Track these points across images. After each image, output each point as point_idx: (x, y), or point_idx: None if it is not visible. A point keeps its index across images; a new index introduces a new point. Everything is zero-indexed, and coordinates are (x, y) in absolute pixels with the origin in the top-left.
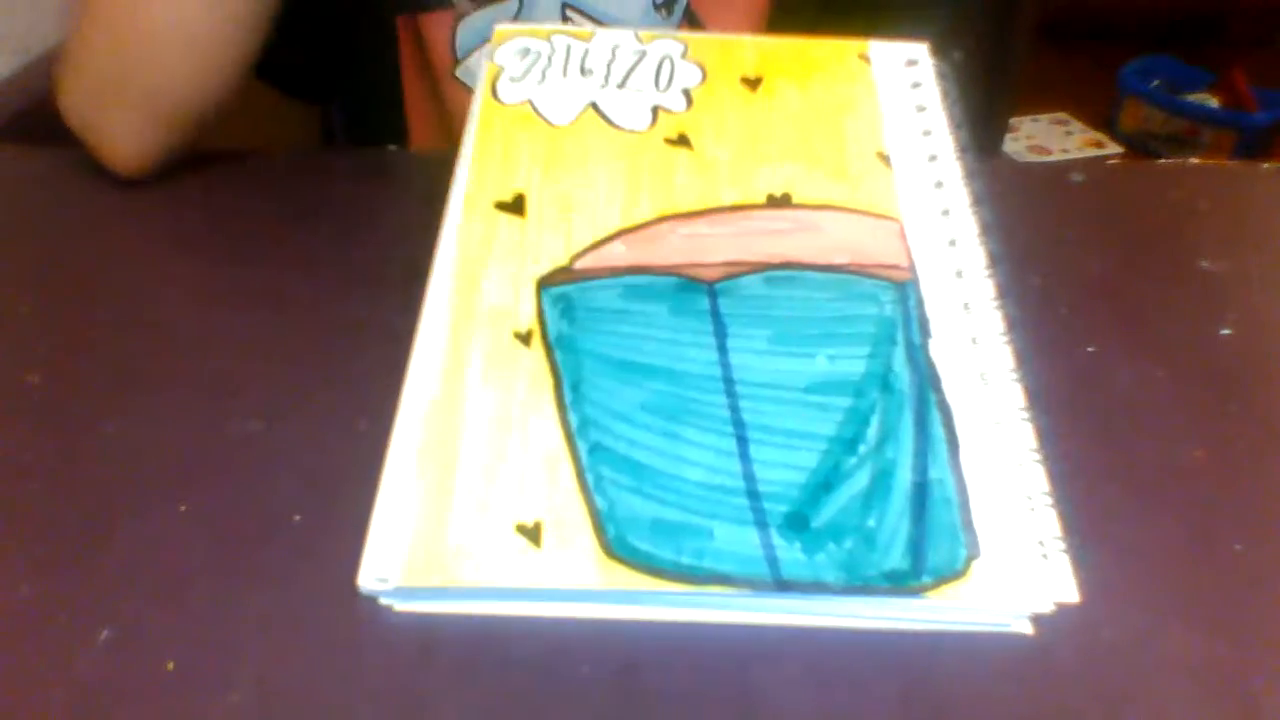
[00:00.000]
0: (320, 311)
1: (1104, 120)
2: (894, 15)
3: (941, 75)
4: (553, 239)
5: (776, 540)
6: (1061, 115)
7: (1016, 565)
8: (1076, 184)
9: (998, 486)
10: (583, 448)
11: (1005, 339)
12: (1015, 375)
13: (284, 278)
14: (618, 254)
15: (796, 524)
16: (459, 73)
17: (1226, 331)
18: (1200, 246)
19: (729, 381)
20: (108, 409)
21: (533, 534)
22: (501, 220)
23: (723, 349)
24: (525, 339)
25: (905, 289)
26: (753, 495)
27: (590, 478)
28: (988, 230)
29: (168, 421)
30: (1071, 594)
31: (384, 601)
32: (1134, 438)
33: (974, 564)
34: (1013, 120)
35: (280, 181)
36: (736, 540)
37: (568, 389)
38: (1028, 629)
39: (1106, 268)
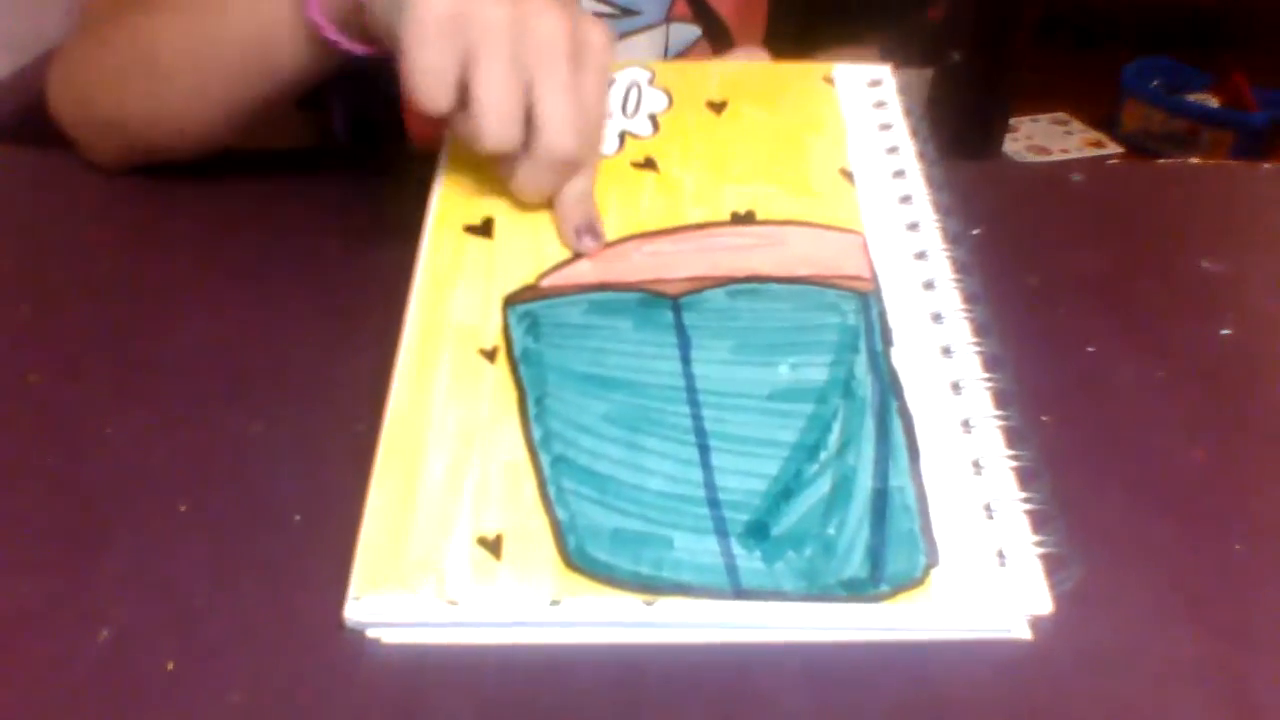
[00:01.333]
0: (320, 312)
1: (1104, 120)
2: (892, 16)
3: (903, 91)
4: (520, 259)
5: (736, 549)
6: (1061, 115)
7: (976, 574)
8: (1076, 184)
9: (959, 494)
10: (545, 460)
11: (975, 347)
12: (986, 381)
13: (284, 278)
14: (583, 271)
15: (756, 532)
16: None
17: (1226, 331)
18: (1200, 246)
19: (692, 392)
20: (108, 409)
21: (493, 546)
22: (470, 242)
23: (686, 360)
24: (490, 355)
25: (867, 299)
26: (713, 504)
27: (552, 489)
28: (957, 240)
29: (168, 422)
30: (1045, 605)
31: (371, 635)
32: (1134, 438)
33: (933, 572)
34: (1013, 120)
35: (280, 181)
36: (696, 549)
37: (531, 403)
38: (1026, 633)
39: (1106, 268)
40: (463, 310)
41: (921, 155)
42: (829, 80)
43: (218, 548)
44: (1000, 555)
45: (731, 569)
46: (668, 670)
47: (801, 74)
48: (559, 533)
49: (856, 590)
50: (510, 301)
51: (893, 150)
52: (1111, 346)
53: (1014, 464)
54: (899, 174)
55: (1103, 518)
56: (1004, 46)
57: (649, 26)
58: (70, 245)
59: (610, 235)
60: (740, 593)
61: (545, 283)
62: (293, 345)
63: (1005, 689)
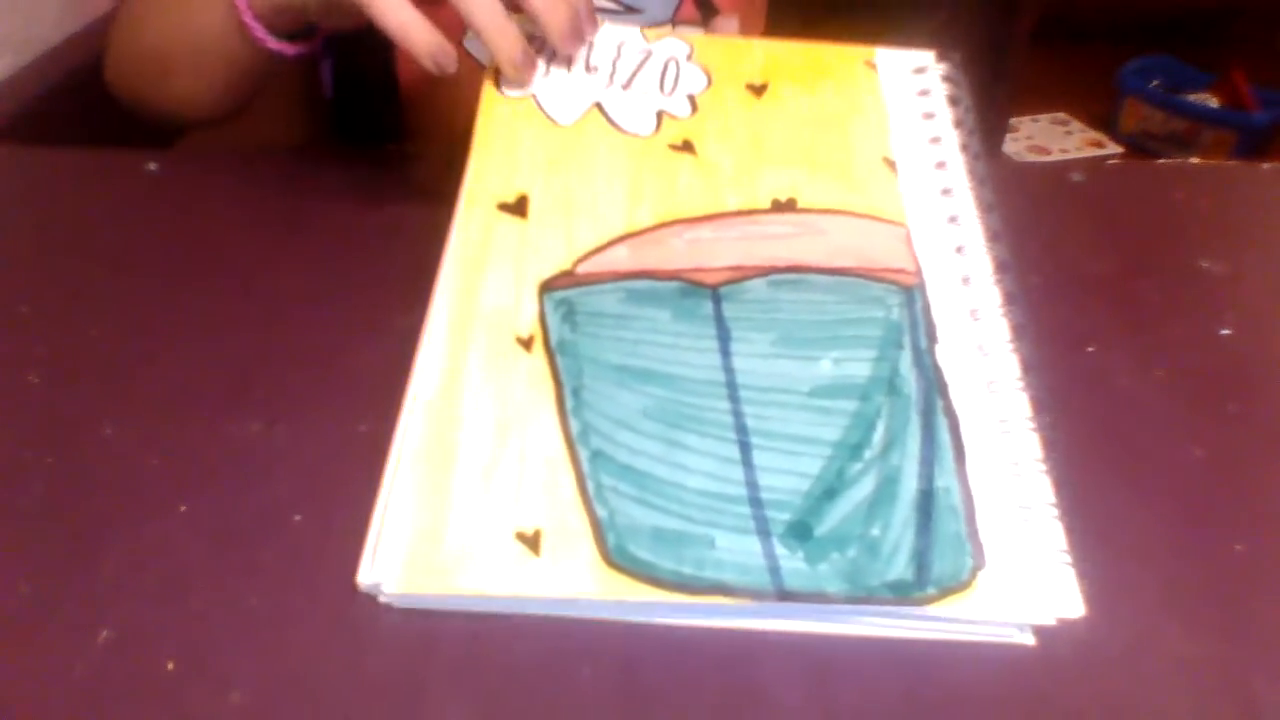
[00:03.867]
0: (320, 312)
1: (1104, 120)
2: (892, 14)
3: (952, 82)
4: (555, 242)
5: (779, 549)
6: (1061, 115)
7: (1021, 577)
8: (1076, 184)
9: (1003, 496)
10: (583, 455)
11: (1012, 347)
12: (1021, 383)
13: (284, 278)
14: (620, 258)
15: (799, 533)
16: (466, 43)
17: (1226, 331)
18: (1200, 246)
19: (732, 387)
20: (108, 409)
21: (532, 542)
22: (504, 221)
23: (726, 353)
24: (527, 344)
25: (912, 294)
26: (755, 503)
27: (591, 485)
28: (996, 238)
29: (168, 422)
30: (1077, 608)
31: (384, 600)
32: (1134, 438)
33: (979, 575)
34: (1013, 120)
35: (281, 181)
36: (738, 549)
37: (569, 395)
38: (1030, 639)
39: (1106, 268)
40: (496, 294)
41: (965, 147)
42: (871, 65)
43: (218, 548)
44: (1046, 559)
45: (774, 570)
46: (668, 668)
47: (844, 57)
48: (598, 530)
49: (902, 592)
50: (546, 288)
51: (935, 140)
52: (1111, 346)
53: (1045, 469)
54: (940, 165)
55: (1102, 517)
56: (1004, 46)
57: (653, 26)
58: (70, 245)
59: (647, 220)
60: (783, 594)
61: (582, 269)
62: (293, 345)
63: (1006, 687)
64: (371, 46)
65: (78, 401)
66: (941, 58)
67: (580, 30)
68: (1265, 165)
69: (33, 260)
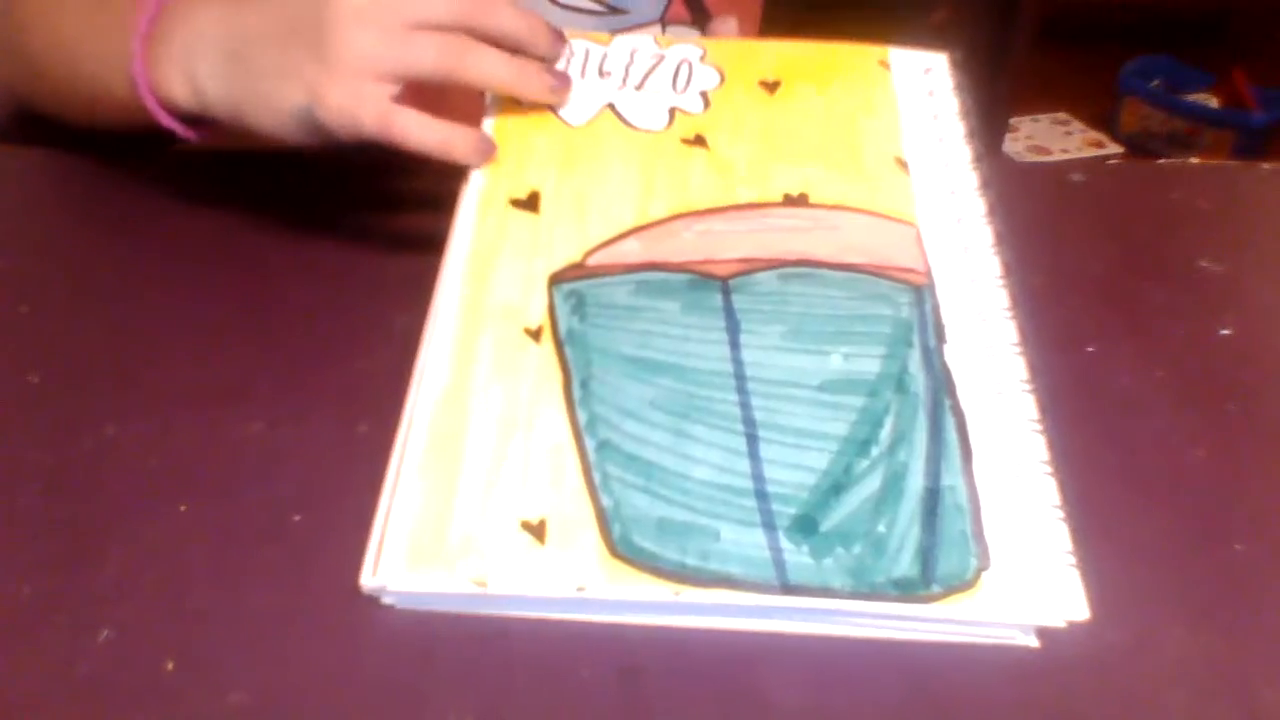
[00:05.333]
0: (320, 312)
1: (1104, 120)
2: (892, 14)
3: (959, 85)
4: (566, 236)
5: (784, 543)
6: (1061, 115)
7: (1025, 579)
8: (1076, 184)
9: (1009, 497)
10: (590, 444)
11: (1018, 349)
12: (1028, 386)
13: (284, 279)
14: (631, 250)
15: (805, 527)
16: None
17: (1226, 331)
18: (1200, 246)
19: (740, 379)
20: (108, 409)
21: (537, 531)
22: (516, 217)
23: (735, 345)
24: (535, 335)
25: (922, 293)
26: (761, 496)
27: (597, 475)
28: (1002, 240)
29: (168, 422)
30: (1082, 611)
31: (388, 601)
32: (1134, 438)
33: (983, 575)
34: (1013, 120)
35: (282, 182)
36: (743, 542)
37: (577, 385)
38: (1033, 641)
39: (1106, 268)
40: (507, 287)
41: (971, 150)
42: (884, 64)
43: (218, 548)
44: (1051, 562)
45: (779, 563)
46: (668, 670)
47: (857, 56)
48: (604, 520)
49: (907, 590)
50: (556, 280)
51: (940, 141)
52: (1111, 346)
53: (1050, 470)
54: (946, 166)
55: (1103, 517)
56: (1004, 46)
57: (640, 26)
58: (70, 245)
59: (659, 213)
60: (788, 588)
61: (592, 261)
62: (293, 345)
63: (1006, 688)
64: None
65: (78, 401)
66: (951, 61)
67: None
68: (1265, 165)
69: (33, 260)
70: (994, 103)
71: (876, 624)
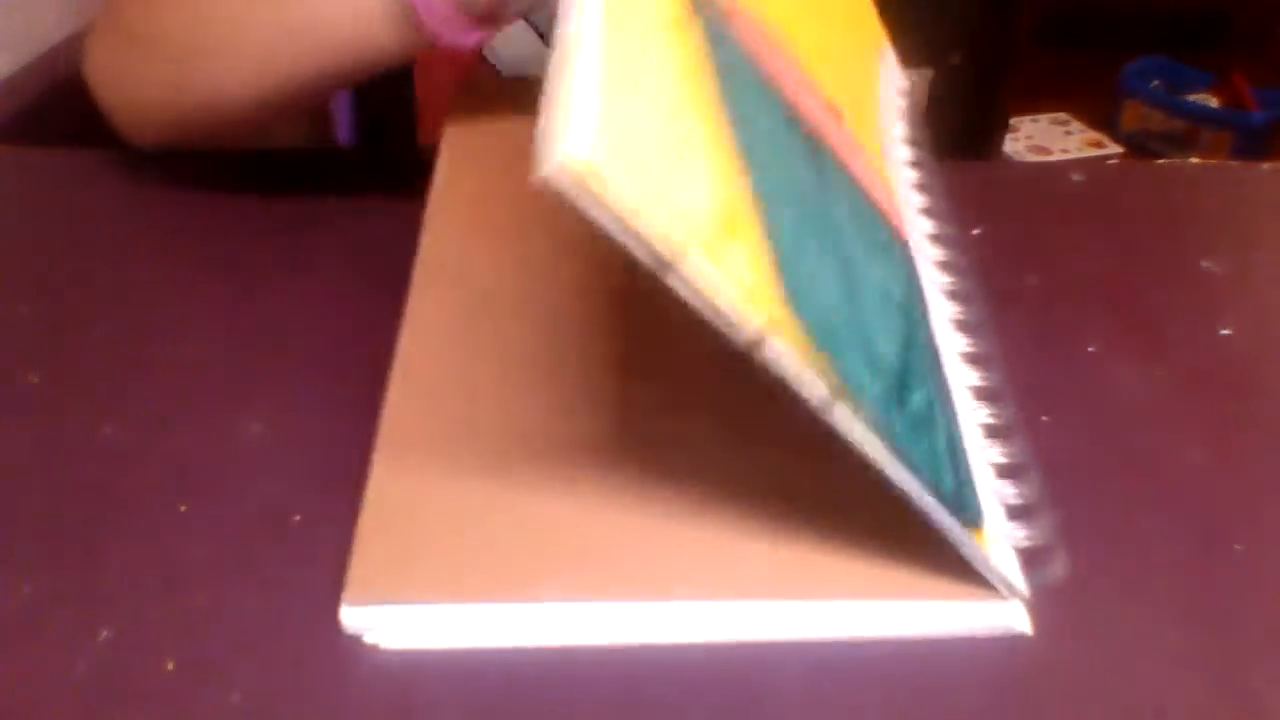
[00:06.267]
0: (321, 312)
1: (1104, 120)
2: (891, 13)
3: (908, 89)
4: None
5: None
6: (1061, 115)
7: (1001, 544)
8: (1076, 184)
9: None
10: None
11: (956, 341)
12: (967, 377)
13: (285, 278)
14: None
15: (901, 397)
16: (486, 52)
17: (1226, 331)
18: (1200, 246)
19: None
20: (108, 409)
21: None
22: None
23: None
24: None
25: (906, 247)
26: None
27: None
28: (938, 240)
29: (168, 421)
30: (1022, 593)
31: (369, 641)
32: (1134, 438)
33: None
34: (1013, 120)
35: (283, 182)
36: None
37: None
38: (1027, 628)
39: (1106, 268)
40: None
41: (913, 151)
42: (881, 53)
43: (218, 548)
44: (1012, 528)
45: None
46: (667, 672)
47: (873, 26)
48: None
49: (959, 507)
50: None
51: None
52: (1111, 346)
53: (996, 457)
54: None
55: (1102, 517)
56: (1004, 46)
57: None
58: (70, 245)
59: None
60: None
61: None
62: (294, 345)
63: (1005, 687)
64: (396, 98)
65: (78, 401)
66: (931, 57)
67: None
68: (1265, 165)
69: (33, 260)
70: (994, 103)
71: (872, 625)
